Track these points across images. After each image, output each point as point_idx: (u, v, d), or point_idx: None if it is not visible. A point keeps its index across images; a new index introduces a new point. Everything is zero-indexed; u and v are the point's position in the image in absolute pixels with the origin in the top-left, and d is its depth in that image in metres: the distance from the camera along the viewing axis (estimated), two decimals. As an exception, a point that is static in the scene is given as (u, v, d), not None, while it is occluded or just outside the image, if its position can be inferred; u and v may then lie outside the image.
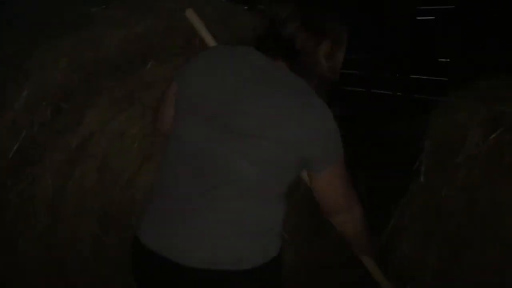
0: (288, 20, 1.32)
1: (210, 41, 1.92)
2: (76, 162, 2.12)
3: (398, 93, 5.54)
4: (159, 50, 2.27)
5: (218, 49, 1.49)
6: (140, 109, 2.25)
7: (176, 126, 1.38)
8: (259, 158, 1.26)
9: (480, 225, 1.92)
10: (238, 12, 2.60)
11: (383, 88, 5.63)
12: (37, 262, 2.05)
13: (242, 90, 1.29)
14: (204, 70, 1.35)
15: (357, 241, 1.63)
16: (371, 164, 4.03)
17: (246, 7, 2.72)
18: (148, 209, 1.41)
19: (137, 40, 2.24)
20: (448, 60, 5.17)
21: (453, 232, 2.02)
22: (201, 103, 1.32)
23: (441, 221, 2.09)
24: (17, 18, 2.48)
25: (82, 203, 2.14)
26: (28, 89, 2.03)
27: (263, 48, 1.36)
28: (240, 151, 1.27)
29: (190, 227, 1.29)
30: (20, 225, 2.01)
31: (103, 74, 2.14)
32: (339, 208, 1.40)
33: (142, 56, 2.24)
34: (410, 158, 2.49)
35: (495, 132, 1.86)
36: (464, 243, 1.98)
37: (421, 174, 2.29)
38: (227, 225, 1.28)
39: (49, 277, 2.08)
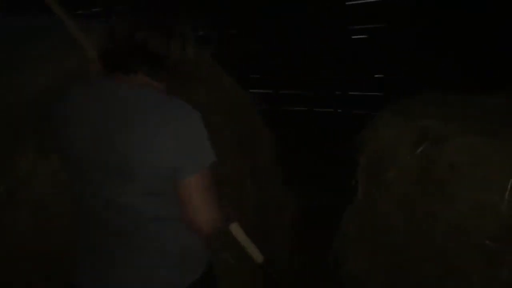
0: (135, 29, 1.31)
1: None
2: (7, 208, 2.03)
3: (338, 110, 5.69)
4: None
5: (79, 90, 1.38)
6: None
7: (72, 183, 1.40)
8: (145, 188, 1.28)
9: (415, 236, 1.98)
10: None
11: (324, 106, 5.77)
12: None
13: (106, 128, 1.28)
14: (72, 117, 1.33)
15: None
16: (316, 181, 4.09)
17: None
18: (79, 258, 1.44)
19: (66, 76, 2.19)
20: (383, 76, 5.36)
21: (393, 246, 2.07)
22: (77, 152, 1.32)
23: (381, 235, 2.14)
24: None
25: (15, 250, 2.05)
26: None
27: (114, 65, 1.34)
28: (126, 188, 1.28)
29: (118, 270, 1.35)
30: None
31: (31, 116, 2.07)
32: (199, 218, 1.32)
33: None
34: (351, 175, 2.55)
35: (421, 146, 1.93)
36: (404, 256, 2.03)
37: (358, 191, 2.34)
38: (151, 259, 1.34)
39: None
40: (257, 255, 1.81)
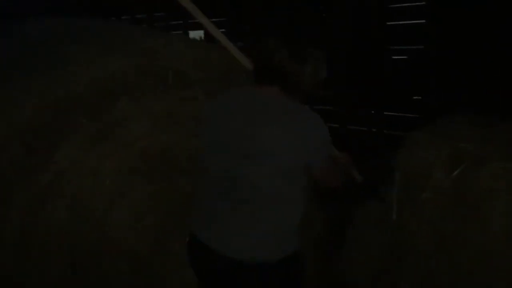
0: (276, 52, 1.60)
1: (208, 24, 2.02)
2: (46, 201, 2.11)
3: (373, 129, 5.64)
4: (132, 88, 2.31)
5: (229, 94, 1.76)
6: (112, 146, 2.26)
7: (208, 158, 1.71)
8: (274, 172, 1.57)
9: (447, 258, 1.95)
10: (210, 52, 2.65)
11: (358, 124, 5.73)
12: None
13: (251, 122, 1.59)
14: (220, 113, 1.69)
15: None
16: (346, 198, 4.06)
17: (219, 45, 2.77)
18: (201, 217, 1.72)
19: (110, 78, 2.27)
20: (420, 98, 5.30)
21: (419, 267, 2.04)
22: (223, 139, 1.65)
23: (408, 255, 2.11)
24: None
25: (51, 242, 2.11)
26: (-2, 127, 2.04)
27: (258, 77, 1.67)
28: (258, 170, 1.58)
29: (235, 231, 1.62)
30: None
31: (75, 111, 2.15)
32: (332, 184, 1.79)
33: (115, 94, 2.27)
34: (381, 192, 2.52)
35: (458, 169, 1.91)
36: (430, 279, 2.00)
37: (393, 211, 2.32)
38: (259, 228, 1.61)
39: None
40: (358, 176, 2.21)
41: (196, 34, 7.17)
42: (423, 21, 5.03)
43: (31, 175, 2.06)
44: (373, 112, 5.66)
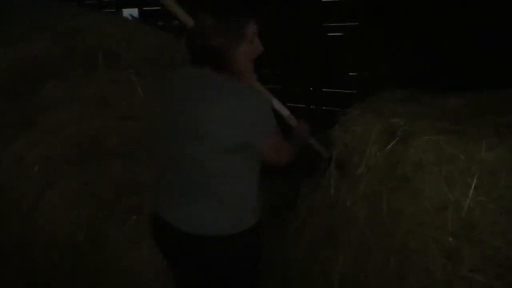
0: (205, 30, 1.61)
1: (189, 22, 2.00)
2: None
3: (311, 106, 5.71)
4: (57, 71, 2.20)
5: (176, 74, 1.82)
6: (39, 133, 2.15)
7: (163, 139, 1.81)
8: (215, 151, 1.62)
9: (380, 231, 2.01)
10: (142, 31, 2.57)
11: (297, 101, 5.78)
12: None
13: (192, 102, 1.64)
14: (167, 97, 1.77)
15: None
16: (285, 174, 4.09)
17: (149, 26, 2.69)
18: (161, 194, 1.83)
19: (34, 61, 2.15)
20: (356, 74, 5.40)
21: (356, 240, 2.10)
22: (171, 120, 1.73)
23: (346, 229, 2.16)
24: None
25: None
26: None
27: (194, 60, 1.69)
28: (201, 149, 1.63)
29: (186, 207, 1.71)
30: None
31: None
32: (276, 163, 1.78)
33: (40, 77, 2.15)
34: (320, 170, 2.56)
35: (390, 144, 1.96)
36: (367, 251, 2.05)
37: (331, 187, 2.36)
38: (211, 204, 1.69)
39: None
40: (324, 151, 2.37)
41: (129, 12, 6.93)
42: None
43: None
44: (311, 89, 5.72)
